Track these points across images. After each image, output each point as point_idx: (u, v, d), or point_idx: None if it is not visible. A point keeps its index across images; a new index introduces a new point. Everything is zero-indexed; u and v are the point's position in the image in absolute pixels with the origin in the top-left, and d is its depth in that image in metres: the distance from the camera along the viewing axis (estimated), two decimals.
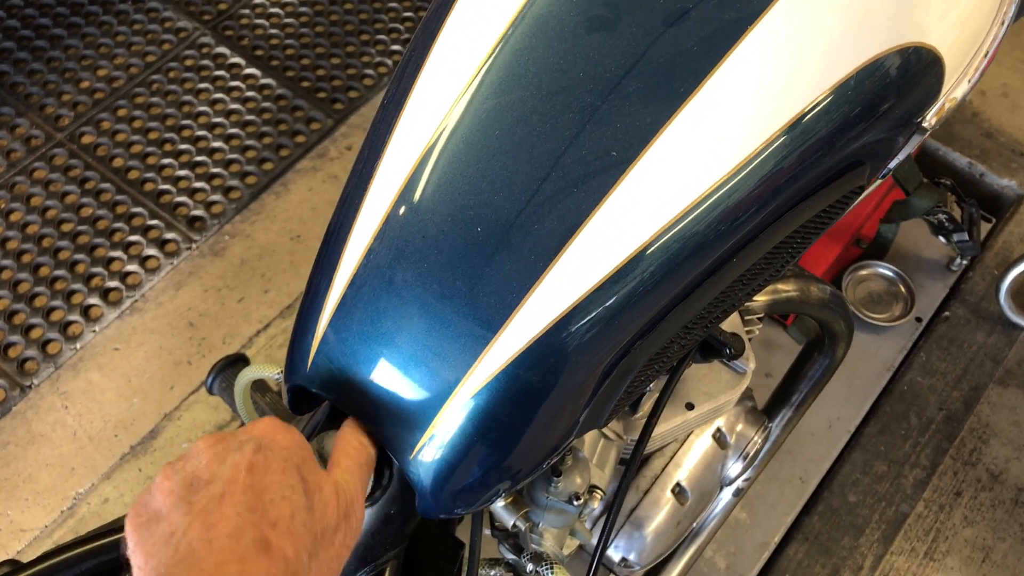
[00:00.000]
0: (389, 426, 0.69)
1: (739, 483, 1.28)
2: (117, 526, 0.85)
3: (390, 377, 0.69)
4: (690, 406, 1.01)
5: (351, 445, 0.66)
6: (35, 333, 1.92)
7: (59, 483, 1.76)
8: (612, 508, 0.94)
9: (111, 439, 1.81)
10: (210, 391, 1.42)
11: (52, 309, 1.95)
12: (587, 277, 0.65)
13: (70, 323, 1.93)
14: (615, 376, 0.72)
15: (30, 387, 1.86)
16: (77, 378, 1.87)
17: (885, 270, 2.01)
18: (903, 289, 2.00)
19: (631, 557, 1.13)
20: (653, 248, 0.66)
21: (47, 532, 1.70)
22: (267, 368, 0.88)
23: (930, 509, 1.77)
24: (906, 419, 1.86)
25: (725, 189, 0.66)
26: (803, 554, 1.72)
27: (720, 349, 0.94)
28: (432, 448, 0.68)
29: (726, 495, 1.33)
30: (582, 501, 0.85)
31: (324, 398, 0.72)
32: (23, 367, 1.88)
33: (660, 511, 1.14)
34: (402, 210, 0.68)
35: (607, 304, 0.66)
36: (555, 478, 0.85)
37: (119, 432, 1.82)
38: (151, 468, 1.78)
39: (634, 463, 0.95)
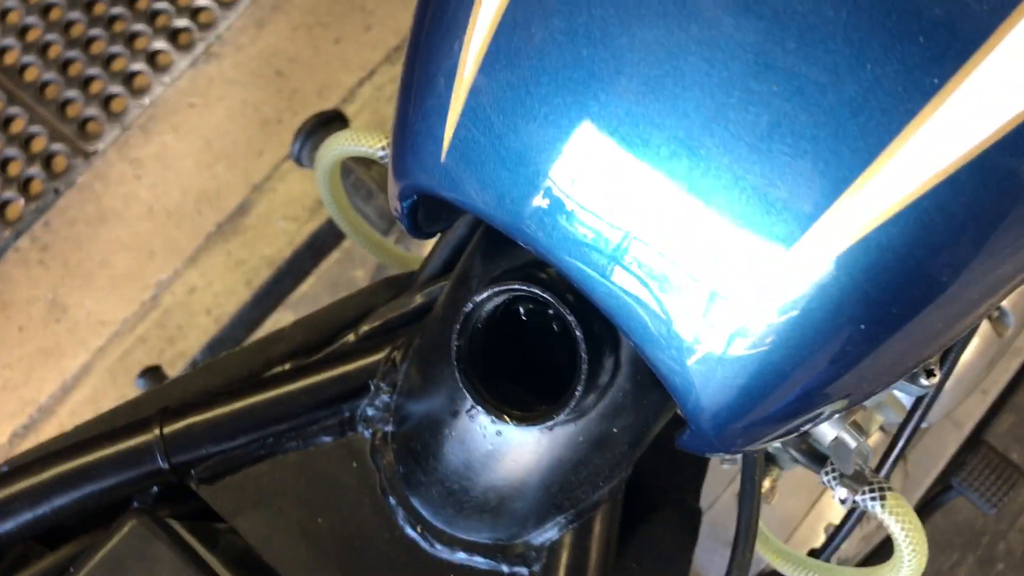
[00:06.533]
0: (635, 281, 0.32)
1: None
2: (144, 417, 0.57)
3: (643, 179, 0.30)
4: None
5: None
6: (95, 87, 1.58)
7: (138, 268, 1.48)
8: (950, 356, 0.57)
9: (193, 215, 1.50)
10: (298, 162, 1.06)
11: (112, 56, 1.59)
12: None
13: (135, 74, 1.58)
14: None
15: (95, 153, 1.54)
16: (149, 142, 1.54)
17: None
18: None
19: None
20: None
21: (128, 326, 1.44)
22: (366, 138, 0.52)
23: None
24: None
25: None
26: None
27: None
28: (741, 341, 0.30)
29: None
30: (938, 376, 0.47)
31: (468, 210, 0.35)
32: (84, 129, 1.55)
33: (967, 344, 0.75)
34: None
35: None
36: None
37: (202, 207, 1.50)
38: (243, 252, 1.47)
39: None
